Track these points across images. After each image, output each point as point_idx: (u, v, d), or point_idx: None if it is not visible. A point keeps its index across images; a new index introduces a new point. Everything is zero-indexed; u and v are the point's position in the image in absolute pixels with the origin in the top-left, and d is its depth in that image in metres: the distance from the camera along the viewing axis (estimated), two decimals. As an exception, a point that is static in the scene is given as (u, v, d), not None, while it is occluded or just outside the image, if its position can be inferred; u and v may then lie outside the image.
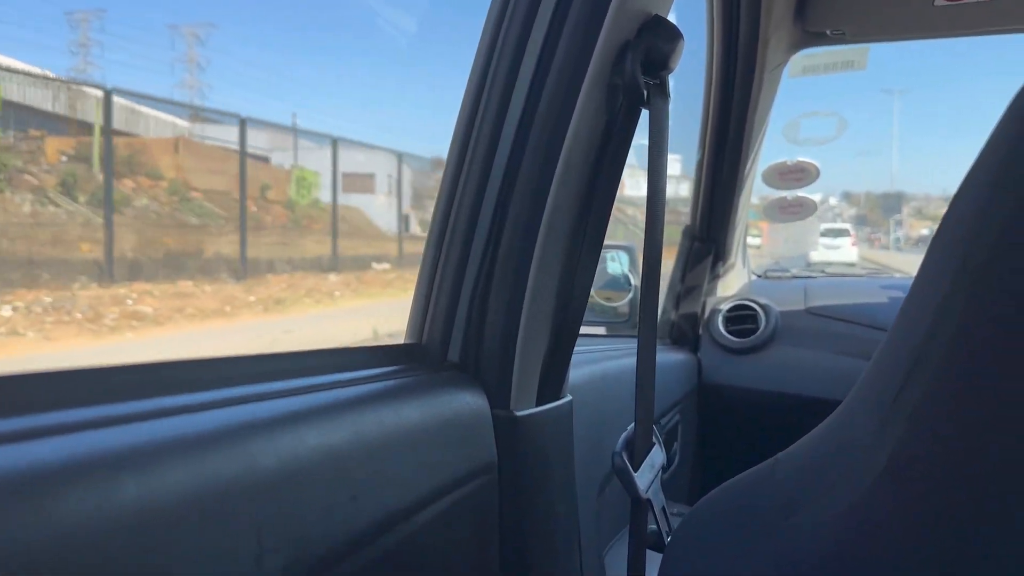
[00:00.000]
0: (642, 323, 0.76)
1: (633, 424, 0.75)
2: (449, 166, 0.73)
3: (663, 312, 1.85)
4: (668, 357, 1.66)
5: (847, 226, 24.00)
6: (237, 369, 0.52)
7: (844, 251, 20.75)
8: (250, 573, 0.42)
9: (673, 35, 0.71)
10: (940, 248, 0.42)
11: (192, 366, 0.50)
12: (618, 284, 1.66)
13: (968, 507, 0.39)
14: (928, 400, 0.39)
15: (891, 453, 0.41)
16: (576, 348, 0.81)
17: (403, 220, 15.55)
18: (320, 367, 0.59)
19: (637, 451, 0.74)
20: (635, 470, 0.74)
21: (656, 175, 0.74)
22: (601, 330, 1.63)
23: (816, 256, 20.13)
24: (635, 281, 1.62)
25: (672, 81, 0.76)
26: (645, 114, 0.73)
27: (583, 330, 0.82)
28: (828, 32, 1.49)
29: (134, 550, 0.36)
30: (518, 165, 0.70)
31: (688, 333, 1.84)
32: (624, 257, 1.67)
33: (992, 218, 0.37)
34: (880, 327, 1.71)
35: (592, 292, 1.68)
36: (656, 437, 0.78)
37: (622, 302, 1.63)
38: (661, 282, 0.81)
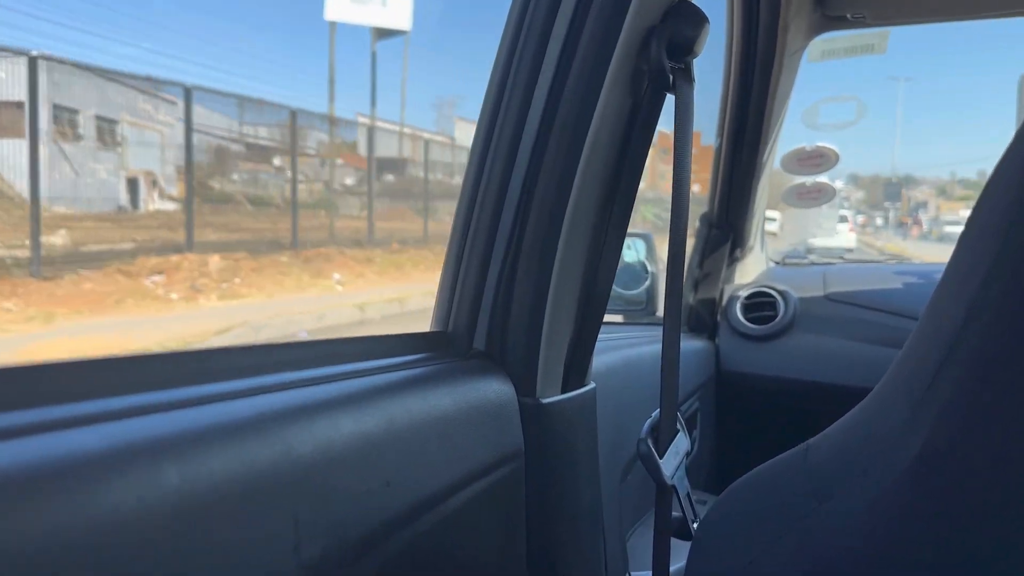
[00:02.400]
0: (667, 310, 0.76)
1: (658, 410, 0.75)
2: (474, 153, 0.73)
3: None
4: (686, 344, 1.65)
5: (847, 212, 24.62)
6: (270, 357, 0.53)
7: (842, 236, 21.20)
8: (288, 560, 0.42)
9: (699, 19, 0.71)
10: (976, 231, 0.41)
11: (226, 354, 0.50)
12: (634, 272, 1.65)
13: (1000, 499, 0.39)
14: (963, 389, 0.39)
15: (924, 442, 0.40)
16: (599, 336, 0.81)
17: (131, 186, 11.28)
18: (349, 355, 0.60)
19: (662, 437, 0.75)
20: (660, 456, 0.74)
21: (681, 161, 0.74)
22: (618, 318, 1.63)
23: (816, 241, 20.18)
24: (651, 268, 1.61)
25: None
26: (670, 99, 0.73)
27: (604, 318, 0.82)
28: (848, 16, 1.47)
29: (175, 538, 0.36)
30: (543, 151, 0.70)
31: (706, 320, 1.83)
32: (640, 245, 1.66)
33: None
34: (898, 313, 1.69)
35: None
36: (680, 424, 0.78)
37: (638, 290, 1.62)
38: None
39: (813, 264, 2.10)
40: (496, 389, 0.68)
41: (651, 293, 1.60)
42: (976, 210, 0.42)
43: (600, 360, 1.01)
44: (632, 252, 1.68)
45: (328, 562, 0.45)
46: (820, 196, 1.87)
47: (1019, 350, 0.37)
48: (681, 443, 0.78)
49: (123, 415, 0.39)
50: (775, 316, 1.78)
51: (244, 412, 0.43)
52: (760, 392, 1.74)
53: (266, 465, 0.42)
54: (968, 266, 0.41)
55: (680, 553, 0.79)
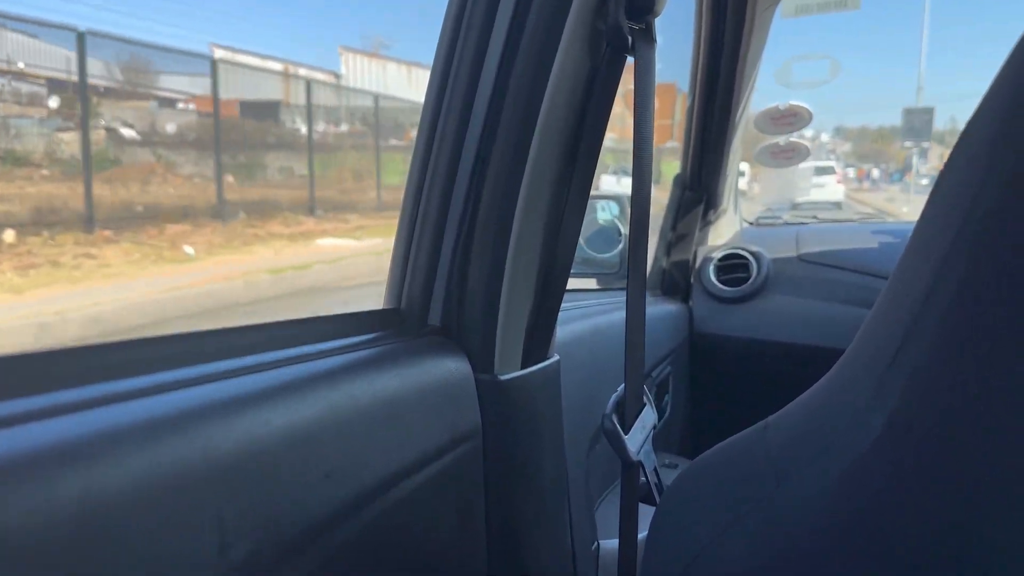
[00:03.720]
0: (630, 279, 0.74)
1: (623, 385, 0.74)
2: (424, 120, 0.69)
3: (653, 262, 1.83)
4: (659, 308, 1.64)
5: (832, 163, 22.91)
6: (191, 347, 0.50)
7: (829, 189, 20.02)
8: (213, 563, 0.40)
9: None
10: (944, 195, 0.39)
11: (139, 346, 0.47)
12: (607, 235, 1.63)
13: (969, 474, 0.37)
14: (928, 360, 0.37)
15: (888, 417, 0.39)
16: (564, 304, 0.79)
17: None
18: (289, 339, 0.57)
19: (628, 412, 0.73)
20: (626, 432, 0.72)
21: (642, 124, 0.71)
22: (591, 283, 1.61)
23: (802, 194, 19.72)
24: (625, 231, 1.59)
25: (660, 24, 0.72)
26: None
27: (572, 284, 0.80)
28: None
29: (78, 550, 0.34)
30: (497, 117, 0.66)
31: (679, 283, 1.82)
32: (614, 207, 1.64)
33: (1002, 161, 0.35)
34: (872, 273, 1.69)
35: (581, 243, 1.66)
36: (647, 396, 0.77)
37: (611, 253, 1.60)
38: (651, 232, 0.79)
39: (787, 224, 2.09)
40: (451, 367, 0.66)
41: (624, 256, 1.58)
42: (947, 165, 0.40)
43: (567, 329, 0.99)
44: (605, 214, 1.65)
45: (260, 560, 0.43)
46: (794, 155, 1.85)
47: (990, 316, 0.35)
48: (648, 416, 0.77)
49: (16, 421, 0.36)
50: (748, 278, 1.78)
51: (157, 410, 0.41)
52: (733, 354, 1.74)
53: (183, 466, 0.39)
54: (937, 225, 0.39)
55: (647, 521, 0.78)
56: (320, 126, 13.25)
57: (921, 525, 0.39)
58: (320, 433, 0.49)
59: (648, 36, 0.69)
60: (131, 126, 10.19)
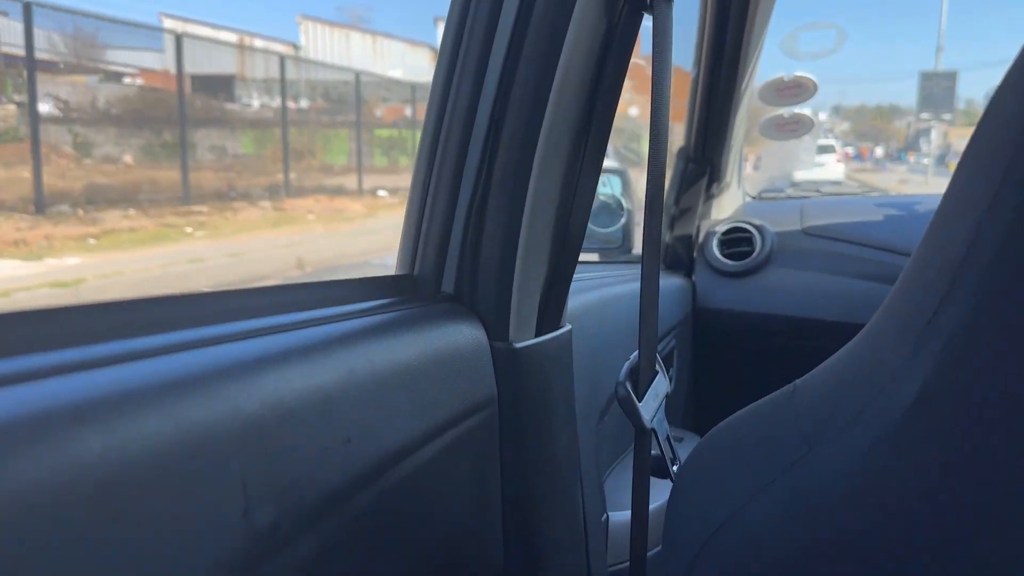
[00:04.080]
0: (645, 248, 0.72)
1: (636, 353, 0.73)
2: (436, 84, 0.68)
3: None
4: (663, 282, 1.63)
5: (833, 142, 22.21)
6: (215, 306, 0.49)
7: (829, 168, 19.41)
8: (237, 526, 0.39)
9: None
10: (978, 155, 0.38)
11: (164, 303, 0.46)
12: (610, 209, 1.62)
13: (1005, 444, 0.36)
14: (966, 325, 0.36)
15: (923, 383, 0.38)
16: (574, 275, 0.78)
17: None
18: (306, 302, 0.56)
19: (642, 380, 0.72)
20: (639, 400, 0.72)
21: (660, 88, 0.70)
22: (594, 256, 1.60)
23: (801, 175, 18.90)
24: (627, 205, 1.58)
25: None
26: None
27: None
28: None
29: (99, 512, 0.33)
30: (511, 79, 0.65)
31: (682, 257, 1.81)
32: (616, 181, 1.62)
33: None
34: (876, 246, 1.68)
35: None
36: (659, 365, 0.76)
37: (614, 227, 1.59)
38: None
39: (790, 198, 2.08)
40: (466, 334, 0.65)
41: (627, 231, 1.57)
42: (981, 125, 0.39)
43: (576, 300, 0.98)
44: (607, 188, 1.64)
45: (283, 525, 0.42)
46: (799, 127, 1.83)
47: None
48: (660, 385, 0.76)
49: (36, 376, 0.35)
50: (752, 252, 1.76)
51: (180, 368, 0.39)
52: (737, 328, 1.74)
53: (208, 426, 0.38)
54: (972, 186, 0.38)
55: (657, 492, 0.78)
56: (258, 101, 12.55)
57: (953, 497, 0.38)
58: (340, 396, 0.48)
59: None
60: (63, 101, 9.37)
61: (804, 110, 1.83)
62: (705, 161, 1.74)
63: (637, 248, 1.73)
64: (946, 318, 0.37)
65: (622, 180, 1.61)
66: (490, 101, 0.65)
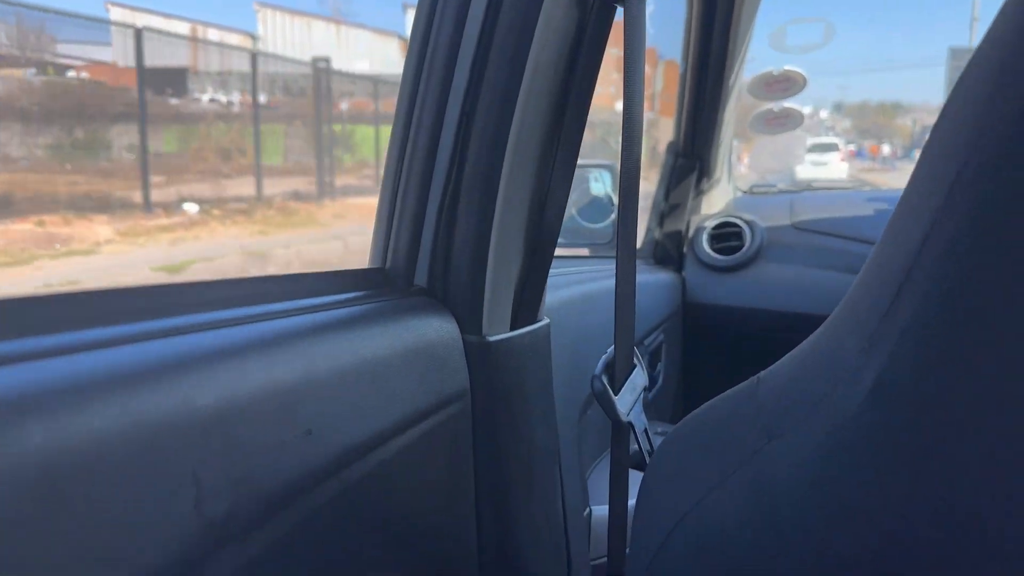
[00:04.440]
0: (620, 240, 0.72)
1: (612, 346, 0.73)
2: (406, 78, 0.68)
3: (646, 231, 1.82)
4: (652, 277, 1.63)
5: (835, 140, 21.36)
6: (168, 298, 0.48)
7: (832, 167, 18.58)
8: (188, 518, 0.39)
9: None
10: (933, 155, 0.38)
11: (117, 295, 0.45)
12: (600, 204, 1.62)
13: (955, 436, 0.36)
14: (918, 319, 0.36)
15: (877, 375, 0.38)
16: (557, 271, 0.78)
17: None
18: (272, 294, 0.55)
19: (618, 373, 0.72)
20: (616, 393, 0.71)
21: (632, 82, 0.69)
22: (584, 252, 1.60)
23: (803, 173, 19.29)
24: (617, 201, 1.58)
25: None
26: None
27: (565, 252, 0.79)
28: None
29: (43, 503, 0.32)
30: (481, 73, 0.65)
31: (672, 252, 1.81)
32: (606, 176, 1.62)
33: (991, 123, 0.34)
34: (867, 240, 1.68)
35: (574, 213, 1.64)
36: (638, 358, 0.76)
37: (605, 223, 1.59)
38: (644, 200, 0.77)
39: (781, 192, 2.08)
40: (438, 327, 0.65)
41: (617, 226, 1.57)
42: (936, 126, 0.39)
43: (557, 295, 0.98)
44: (598, 184, 1.64)
45: (237, 517, 0.42)
46: (787, 121, 1.83)
47: (979, 276, 0.34)
48: (638, 378, 0.76)
49: None
50: (742, 246, 1.76)
51: (131, 360, 0.39)
52: (726, 323, 1.74)
53: (158, 419, 0.38)
54: (927, 186, 0.38)
55: (637, 487, 0.78)
56: (209, 96, 11.62)
57: (904, 489, 0.38)
58: (299, 390, 0.48)
59: None
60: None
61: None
62: (695, 156, 1.74)
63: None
64: (900, 311, 0.37)
65: (612, 175, 1.61)
66: (460, 94, 0.65)
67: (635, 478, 0.77)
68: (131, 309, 0.45)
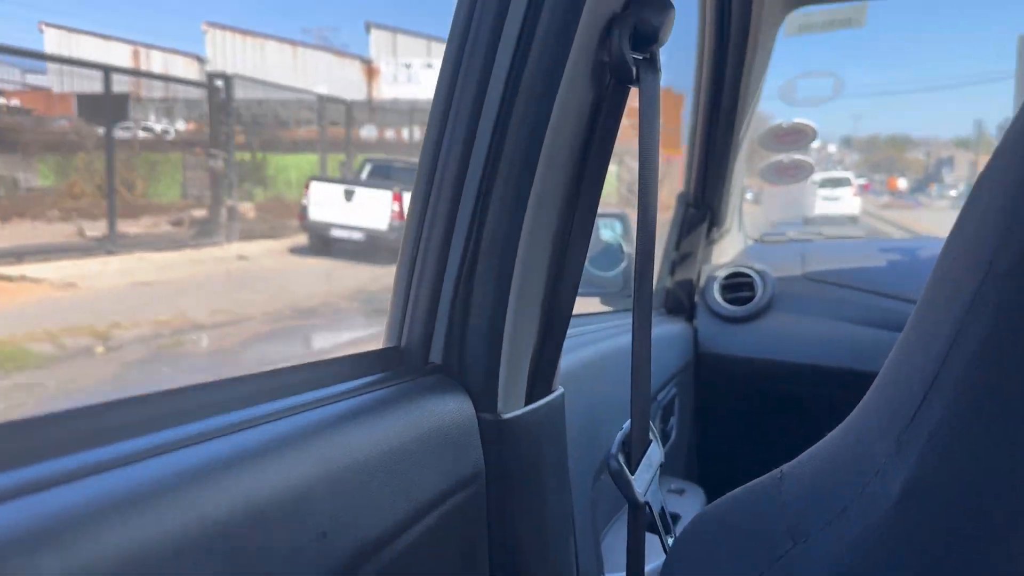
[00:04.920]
0: (636, 312, 0.72)
1: (628, 422, 0.72)
2: (425, 153, 0.68)
3: (658, 280, 1.82)
4: (663, 328, 1.63)
5: (847, 174, 20.61)
6: (177, 405, 0.47)
7: (845, 203, 18.06)
8: None
9: (663, 6, 0.66)
10: (961, 248, 0.38)
11: (117, 408, 0.44)
12: (611, 253, 1.62)
13: (986, 544, 0.36)
14: (948, 422, 0.36)
15: (906, 479, 0.37)
16: (568, 331, 0.78)
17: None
18: (285, 389, 0.55)
19: (634, 451, 0.71)
20: (632, 472, 0.70)
21: (648, 153, 0.70)
22: (595, 300, 1.60)
23: (818, 209, 17.75)
24: (628, 249, 1.58)
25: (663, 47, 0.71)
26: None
27: (576, 306, 0.79)
28: None
29: None
30: (500, 151, 0.65)
31: (684, 301, 1.81)
32: (618, 225, 1.63)
33: (1020, 220, 0.34)
34: (879, 292, 1.68)
35: (585, 261, 1.65)
36: (653, 433, 0.75)
37: (615, 271, 1.59)
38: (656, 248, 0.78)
39: (792, 241, 2.08)
40: (453, 408, 0.64)
41: (628, 275, 1.57)
42: (963, 216, 0.39)
43: (571, 359, 0.98)
44: (608, 232, 1.64)
45: None
46: (798, 172, 1.84)
47: (1013, 378, 0.34)
48: (654, 454, 0.75)
49: None
50: (753, 297, 1.76)
51: (140, 478, 0.39)
52: (739, 374, 1.73)
53: (171, 537, 0.37)
54: (955, 280, 0.37)
55: (653, 552, 0.77)
56: (144, 125, 10.40)
57: None
58: (315, 490, 0.47)
59: (653, 66, 0.68)
60: None
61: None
62: (705, 206, 1.75)
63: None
64: (929, 414, 0.37)
65: (623, 224, 1.62)
66: (479, 170, 0.66)
67: (650, 540, 0.76)
68: (132, 423, 0.44)
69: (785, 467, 0.50)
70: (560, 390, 0.78)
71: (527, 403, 0.72)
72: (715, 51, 1.45)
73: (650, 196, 0.70)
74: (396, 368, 0.67)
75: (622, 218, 1.63)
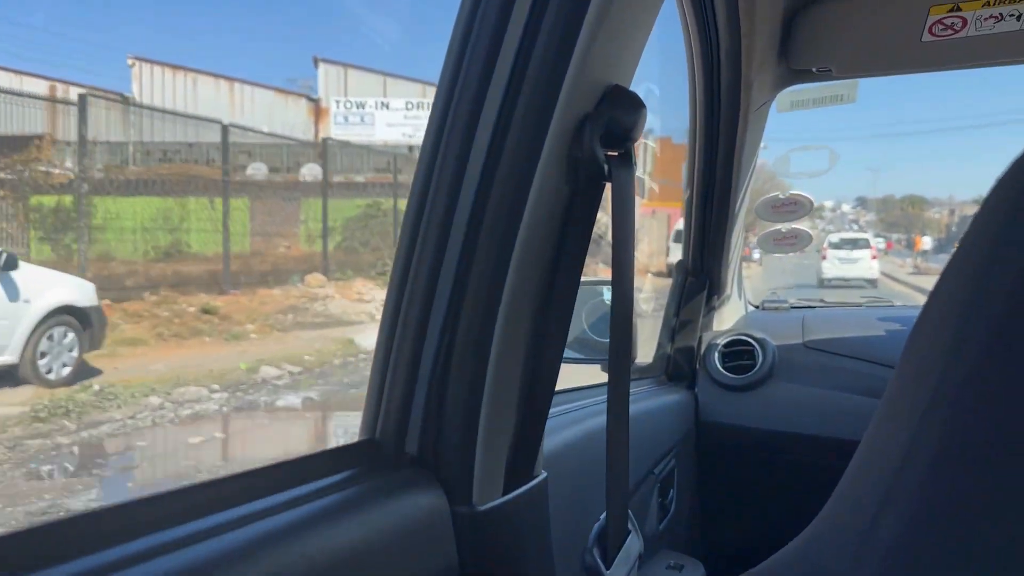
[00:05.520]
0: (611, 405, 0.72)
1: (604, 515, 0.71)
2: (402, 243, 0.69)
3: (657, 347, 1.83)
4: (664, 398, 1.63)
5: (866, 235, 19.40)
6: (152, 511, 0.47)
7: (863, 265, 16.92)
8: None
9: (635, 105, 0.68)
10: (920, 347, 0.38)
11: (87, 519, 0.43)
12: (607, 317, 1.63)
13: None
14: (905, 534, 0.36)
15: None
16: (555, 409, 0.77)
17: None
18: (260, 489, 0.54)
19: (611, 544, 0.71)
20: (608, 567, 0.70)
21: (622, 247, 0.71)
22: (595, 368, 1.61)
23: (830, 271, 16.96)
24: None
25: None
26: None
27: (575, 370, 0.78)
28: (814, 70, 1.47)
29: None
30: (474, 243, 0.66)
31: (685, 369, 1.81)
32: None
33: (985, 309, 0.34)
34: (878, 361, 1.68)
35: (584, 327, 1.66)
36: (632, 524, 0.75)
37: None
38: (655, 317, 0.78)
39: (792, 308, 2.08)
40: (425, 503, 0.64)
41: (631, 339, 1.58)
42: (923, 316, 0.39)
43: (557, 439, 0.97)
44: (606, 297, 1.66)
45: None
46: (796, 242, 1.86)
47: (964, 492, 0.35)
48: (633, 546, 0.74)
49: None
50: (754, 365, 1.77)
51: None
52: (739, 444, 1.72)
53: None
54: (916, 384, 0.38)
55: None
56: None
57: None
58: None
59: (626, 161, 0.70)
60: None
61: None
62: (704, 275, 1.77)
63: (639, 358, 1.73)
64: (885, 525, 0.37)
65: None
66: (453, 262, 0.67)
67: None
68: (103, 532, 0.43)
69: (753, 571, 0.50)
70: (543, 475, 0.77)
71: (505, 492, 0.71)
72: (707, 129, 1.49)
73: (626, 286, 0.71)
74: (371, 461, 0.67)
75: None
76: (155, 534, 0.45)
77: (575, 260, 0.72)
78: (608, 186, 0.71)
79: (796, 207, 1.78)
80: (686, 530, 1.67)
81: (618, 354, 0.71)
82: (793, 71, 1.49)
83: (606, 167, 0.68)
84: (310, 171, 14.26)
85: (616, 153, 0.69)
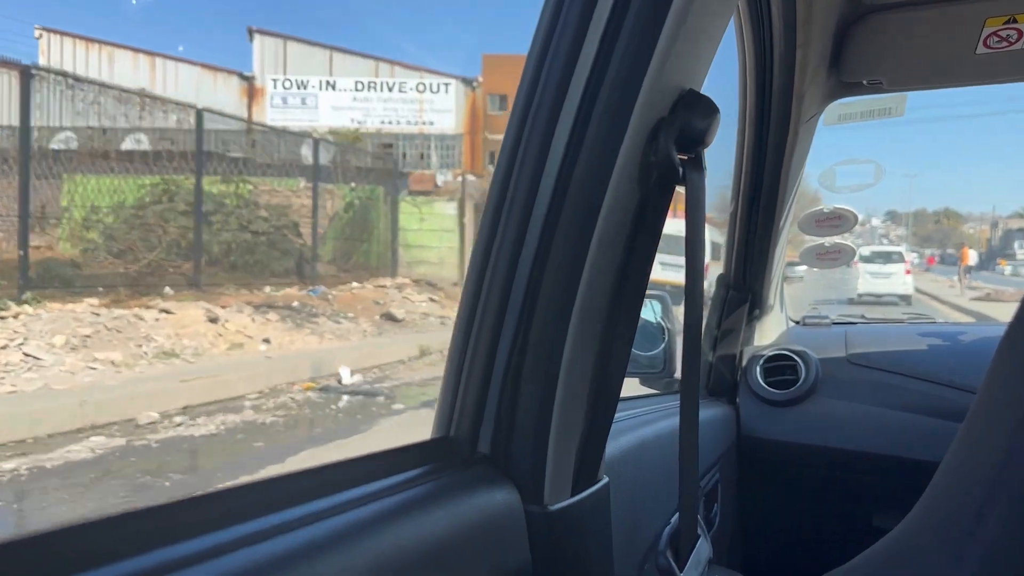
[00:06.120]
0: (683, 412, 0.72)
1: (676, 516, 0.72)
2: (479, 245, 0.71)
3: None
4: (707, 412, 1.61)
5: (900, 248, 18.57)
6: (225, 506, 0.47)
7: (896, 280, 16.45)
8: None
9: (709, 110, 0.69)
10: (1016, 352, 0.39)
11: (158, 513, 0.43)
12: (650, 333, 1.63)
13: None
14: (1008, 533, 0.36)
15: None
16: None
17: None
18: (336, 484, 0.55)
19: (683, 547, 0.71)
20: (681, 570, 0.70)
21: (694, 249, 0.72)
22: (634, 381, 1.60)
23: (861, 286, 16.64)
24: (668, 327, 1.59)
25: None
26: None
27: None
28: (865, 82, 1.46)
29: None
30: (549, 244, 0.67)
31: (726, 383, 1.80)
32: (658, 306, 1.64)
33: None
34: (922, 377, 1.65)
35: None
36: (701, 528, 0.75)
37: (655, 351, 1.60)
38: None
39: (834, 324, 2.06)
40: (499, 500, 0.65)
41: (668, 354, 1.57)
42: (1020, 313, 0.39)
43: (613, 446, 0.97)
44: (648, 312, 1.66)
45: None
46: (840, 257, 1.84)
47: None
48: (703, 551, 0.74)
49: None
50: (796, 380, 1.74)
51: None
52: (782, 460, 1.70)
53: None
54: (1012, 389, 0.38)
55: None
56: None
57: None
58: None
59: (698, 165, 0.70)
60: None
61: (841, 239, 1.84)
62: (746, 289, 1.75)
63: (678, 372, 1.72)
64: (986, 525, 0.37)
65: (663, 305, 1.63)
66: (527, 266, 0.68)
67: None
68: (178, 525, 0.43)
69: (837, 572, 0.49)
70: (605, 479, 0.78)
71: (573, 494, 0.72)
72: (755, 140, 1.48)
73: (696, 289, 0.72)
74: (444, 459, 0.68)
75: (662, 299, 1.64)
76: (230, 528, 0.45)
77: (644, 263, 0.72)
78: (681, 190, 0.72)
79: (840, 221, 1.77)
80: (729, 545, 1.65)
81: (690, 360, 0.71)
82: (843, 83, 1.48)
83: (680, 170, 0.69)
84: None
85: (687, 157, 0.70)
